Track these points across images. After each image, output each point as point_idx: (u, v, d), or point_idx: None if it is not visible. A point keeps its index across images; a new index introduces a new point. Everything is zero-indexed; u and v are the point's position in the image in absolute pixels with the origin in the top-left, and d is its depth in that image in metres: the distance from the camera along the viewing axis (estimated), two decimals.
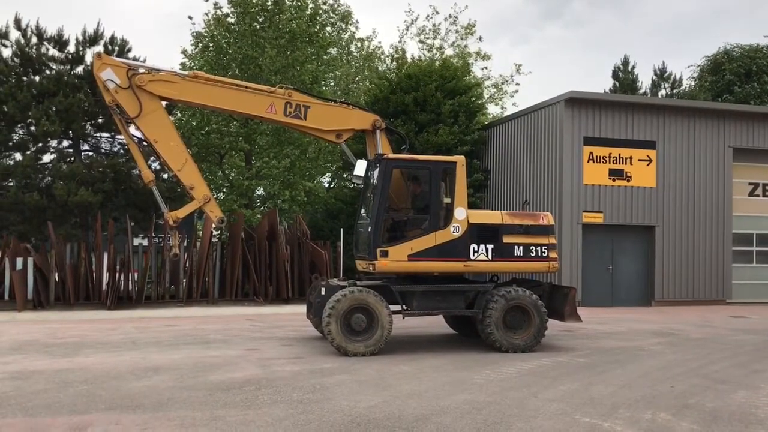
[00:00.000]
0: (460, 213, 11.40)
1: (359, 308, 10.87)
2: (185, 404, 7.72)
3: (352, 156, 13.00)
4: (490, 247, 11.57)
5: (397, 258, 11.18)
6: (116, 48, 22.60)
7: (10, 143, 21.93)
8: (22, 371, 9.60)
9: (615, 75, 45.05)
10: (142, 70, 11.78)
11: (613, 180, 20.59)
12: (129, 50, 23.01)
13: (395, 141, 13.17)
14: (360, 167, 11.77)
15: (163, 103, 12.07)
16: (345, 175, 28.53)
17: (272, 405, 7.72)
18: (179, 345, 12.12)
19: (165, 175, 20.65)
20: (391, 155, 11.84)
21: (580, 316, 12.11)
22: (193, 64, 26.69)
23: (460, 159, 11.71)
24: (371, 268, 11.31)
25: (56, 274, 18.42)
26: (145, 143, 12.17)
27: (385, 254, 11.14)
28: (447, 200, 11.48)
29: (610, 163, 20.58)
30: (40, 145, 22.05)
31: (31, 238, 21.07)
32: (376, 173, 11.57)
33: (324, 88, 29.09)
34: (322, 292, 11.64)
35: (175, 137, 12.07)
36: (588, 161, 20.35)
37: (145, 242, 21.28)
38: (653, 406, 7.88)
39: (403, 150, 12.89)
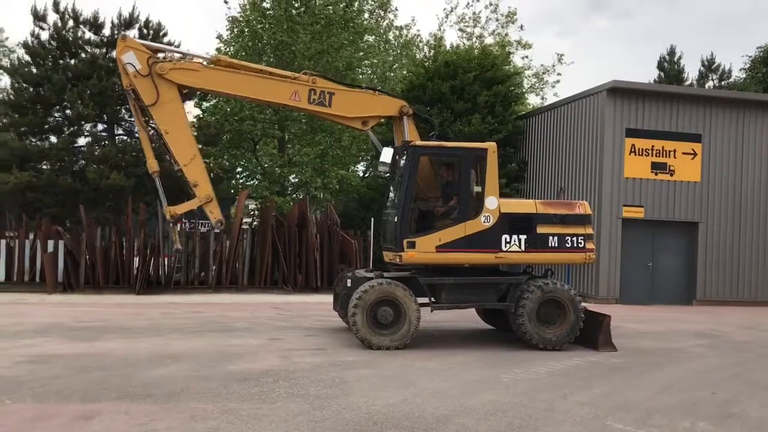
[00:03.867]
0: (492, 202, 10.93)
1: (387, 301, 10.51)
2: (198, 395, 7.46)
3: (378, 144, 12.56)
4: (523, 237, 11.07)
5: (424, 249, 10.76)
6: (151, 32, 22.54)
7: (46, 126, 22.06)
8: (41, 355, 9.50)
9: (660, 66, 43.68)
10: (161, 55, 11.47)
11: (656, 174, 19.80)
12: (165, 34, 22.97)
13: (425, 128, 12.69)
14: (386, 155, 11.29)
15: (184, 91, 11.82)
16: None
17: (288, 399, 7.42)
18: (202, 332, 11.93)
19: None
20: (419, 142, 11.40)
21: (615, 345, 11.19)
22: (228, 49, 26.57)
23: (491, 145, 11.22)
24: (398, 260, 10.93)
25: (86, 257, 18.44)
26: (154, 132, 11.92)
27: (412, 245, 10.74)
28: (477, 189, 11.00)
29: (652, 156, 19.78)
30: (75, 128, 22.11)
31: (64, 221, 21.19)
32: (403, 161, 11.15)
33: (360, 75, 28.71)
34: (348, 284, 11.36)
35: (186, 131, 11.79)
36: (629, 153, 19.59)
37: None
38: (692, 414, 7.36)
39: (432, 137, 12.38)
